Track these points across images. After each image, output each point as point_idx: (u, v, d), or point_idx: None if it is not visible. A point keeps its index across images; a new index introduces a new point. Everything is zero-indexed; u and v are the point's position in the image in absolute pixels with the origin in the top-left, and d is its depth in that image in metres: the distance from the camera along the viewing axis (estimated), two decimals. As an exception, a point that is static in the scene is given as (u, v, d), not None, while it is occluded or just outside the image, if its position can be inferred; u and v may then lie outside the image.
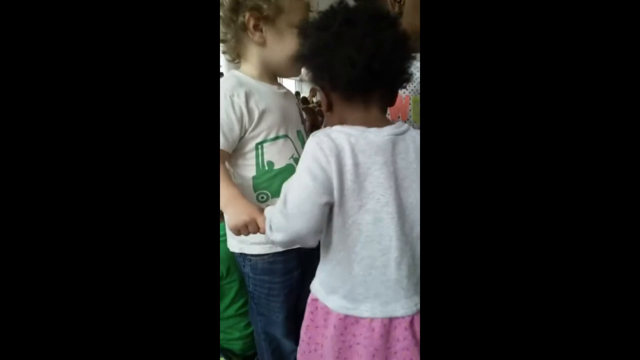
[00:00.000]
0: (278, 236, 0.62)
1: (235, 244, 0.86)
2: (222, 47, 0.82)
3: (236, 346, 1.09)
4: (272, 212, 0.64)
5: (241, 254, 0.86)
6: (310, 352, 0.70)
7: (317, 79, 0.64)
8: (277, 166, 0.81)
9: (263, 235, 0.70)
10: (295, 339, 0.90)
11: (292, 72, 0.86)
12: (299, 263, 0.86)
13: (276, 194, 0.79)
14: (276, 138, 0.80)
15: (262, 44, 0.78)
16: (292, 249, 0.80)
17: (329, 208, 0.60)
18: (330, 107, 0.66)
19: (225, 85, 0.77)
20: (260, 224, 0.66)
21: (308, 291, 0.87)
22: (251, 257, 0.84)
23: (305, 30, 0.65)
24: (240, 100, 0.75)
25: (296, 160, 0.82)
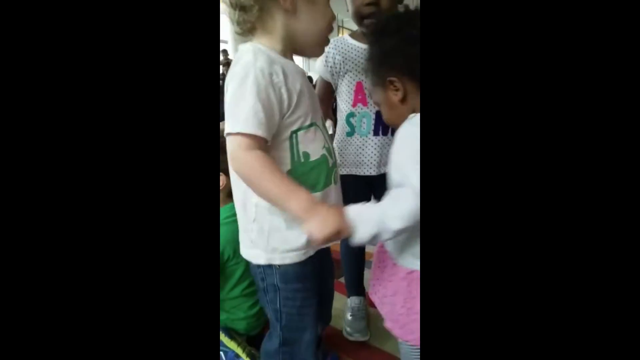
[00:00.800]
0: (410, 221, 0.62)
1: (259, 254, 0.73)
2: (237, 15, 0.68)
3: (240, 326, 1.10)
4: (404, 201, 0.63)
5: (268, 265, 0.73)
6: (411, 322, 0.74)
7: (405, 70, 0.69)
8: (312, 158, 0.71)
9: (299, 243, 0.68)
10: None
11: (318, 50, 0.76)
12: (318, 263, 0.78)
13: (313, 188, 0.71)
14: (310, 125, 0.70)
15: (293, 11, 0.67)
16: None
17: None
18: (405, 98, 0.71)
19: (259, 62, 0.64)
20: (347, 226, 0.62)
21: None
22: (280, 265, 0.72)
23: (386, 28, 0.73)
24: (279, 80, 0.64)
25: (328, 151, 0.74)
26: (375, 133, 1.02)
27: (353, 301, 1.22)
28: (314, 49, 0.74)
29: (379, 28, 0.76)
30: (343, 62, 1.01)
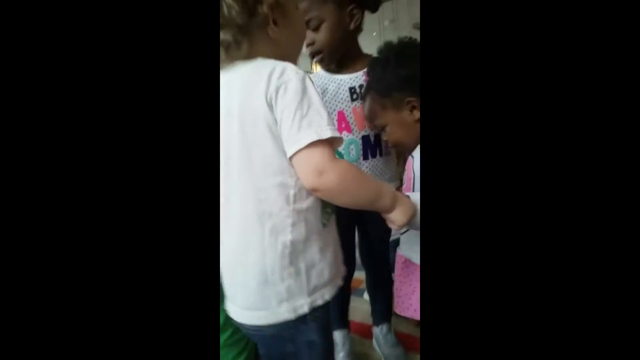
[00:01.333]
0: None
1: (301, 302, 0.59)
2: (221, 53, 0.60)
3: (225, 379, 0.95)
4: None
5: (300, 319, 0.60)
6: None
7: None
8: None
9: (331, 270, 0.62)
10: None
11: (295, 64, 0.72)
12: None
13: (332, 210, 0.65)
14: None
15: (279, 38, 0.64)
16: None
17: None
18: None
19: (299, 70, 0.60)
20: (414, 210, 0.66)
21: None
22: (317, 311, 0.60)
23: (402, 55, 0.85)
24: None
25: None
26: (365, 157, 1.05)
27: (337, 336, 1.17)
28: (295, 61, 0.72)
29: (392, 56, 0.87)
30: (322, 93, 1.04)
